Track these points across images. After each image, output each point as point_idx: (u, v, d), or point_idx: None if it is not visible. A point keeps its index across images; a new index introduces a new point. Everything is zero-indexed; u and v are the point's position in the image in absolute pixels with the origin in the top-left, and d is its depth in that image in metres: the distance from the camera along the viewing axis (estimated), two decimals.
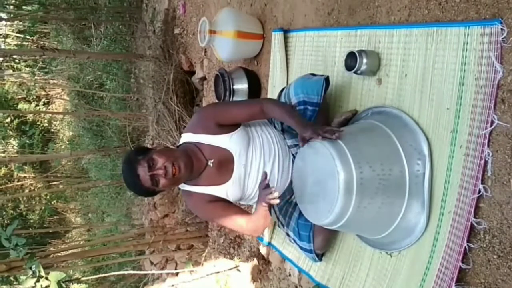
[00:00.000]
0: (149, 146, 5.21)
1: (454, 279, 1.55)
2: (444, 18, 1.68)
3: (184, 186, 2.01)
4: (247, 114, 1.99)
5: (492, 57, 1.48)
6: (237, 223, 1.98)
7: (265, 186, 1.79)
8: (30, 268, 2.87)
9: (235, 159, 1.96)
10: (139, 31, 6.36)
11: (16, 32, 10.00)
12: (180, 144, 2.03)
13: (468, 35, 1.57)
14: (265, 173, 1.83)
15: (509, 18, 1.44)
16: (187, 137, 2.00)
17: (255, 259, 3.14)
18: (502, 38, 1.45)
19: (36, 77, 9.91)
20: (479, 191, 1.50)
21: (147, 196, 2.09)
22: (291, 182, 2.06)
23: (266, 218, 1.88)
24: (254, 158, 1.99)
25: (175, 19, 4.95)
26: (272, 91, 2.81)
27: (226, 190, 1.98)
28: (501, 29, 1.45)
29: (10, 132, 10.46)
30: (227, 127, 1.97)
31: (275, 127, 2.13)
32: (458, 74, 1.60)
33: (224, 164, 1.97)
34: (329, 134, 1.66)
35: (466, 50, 1.58)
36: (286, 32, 2.69)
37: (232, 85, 3.07)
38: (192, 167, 1.90)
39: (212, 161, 1.95)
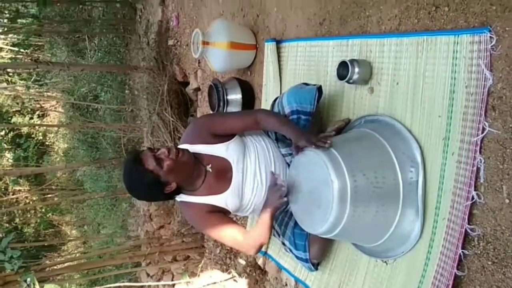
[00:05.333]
0: None
1: (450, 286, 1.55)
2: (433, 27, 1.69)
3: (181, 197, 1.99)
4: (242, 125, 1.99)
5: (481, 64, 1.50)
6: (234, 236, 1.94)
7: (274, 184, 1.84)
8: (25, 281, 2.84)
9: (233, 167, 1.96)
10: (133, 43, 6.38)
11: (10, 45, 10.00)
12: None
13: (457, 43, 1.58)
14: (271, 173, 1.88)
15: (497, 26, 1.46)
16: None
17: (252, 269, 3.13)
18: (491, 46, 1.47)
19: (30, 90, 9.90)
20: (472, 198, 1.51)
21: (150, 192, 1.97)
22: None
23: (268, 230, 1.88)
24: (249, 166, 1.99)
25: (169, 31, 4.97)
26: (266, 101, 2.82)
27: (226, 199, 1.97)
28: (490, 37, 1.47)
29: (5, 145, 10.42)
30: (222, 137, 1.98)
31: (269, 136, 2.13)
32: (448, 82, 1.62)
33: (223, 173, 1.96)
34: (321, 142, 1.67)
35: (456, 58, 1.59)
36: (278, 42, 2.71)
37: (226, 95, 3.08)
38: (193, 162, 1.89)
39: (210, 166, 1.95)
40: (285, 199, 1.82)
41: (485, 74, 1.48)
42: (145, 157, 1.82)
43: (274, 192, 1.86)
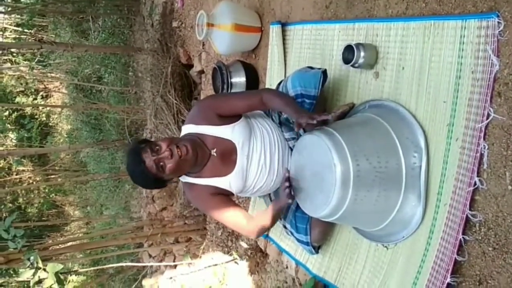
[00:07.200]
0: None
1: (450, 271, 1.56)
2: (441, 11, 1.68)
3: (185, 179, 2.00)
4: (247, 104, 1.98)
5: (488, 50, 1.48)
6: (237, 220, 1.97)
7: (286, 186, 1.82)
8: (28, 259, 2.87)
9: (238, 149, 1.96)
10: (137, 24, 6.34)
11: (14, 26, 9.96)
12: (182, 136, 2.02)
13: (465, 28, 1.57)
14: (286, 170, 1.87)
15: (505, 11, 1.44)
16: (188, 128, 1.99)
17: (253, 252, 3.15)
18: (499, 32, 1.46)
19: (34, 71, 9.88)
20: (475, 184, 1.51)
21: (155, 187, 2.03)
22: None
23: (273, 221, 1.91)
24: (255, 149, 1.99)
25: (173, 12, 4.94)
26: (270, 84, 2.81)
27: (229, 182, 1.97)
28: (498, 22, 1.45)
29: (9, 125, 10.43)
30: (228, 118, 1.97)
31: (272, 119, 2.13)
32: (455, 67, 1.60)
33: (227, 155, 1.96)
34: (324, 115, 1.68)
35: (463, 43, 1.58)
36: (284, 25, 2.69)
37: (230, 78, 3.07)
38: (197, 151, 1.88)
39: (215, 150, 1.94)
40: (290, 201, 1.82)
41: (491, 60, 1.47)
42: (146, 159, 1.81)
43: (283, 190, 1.85)
